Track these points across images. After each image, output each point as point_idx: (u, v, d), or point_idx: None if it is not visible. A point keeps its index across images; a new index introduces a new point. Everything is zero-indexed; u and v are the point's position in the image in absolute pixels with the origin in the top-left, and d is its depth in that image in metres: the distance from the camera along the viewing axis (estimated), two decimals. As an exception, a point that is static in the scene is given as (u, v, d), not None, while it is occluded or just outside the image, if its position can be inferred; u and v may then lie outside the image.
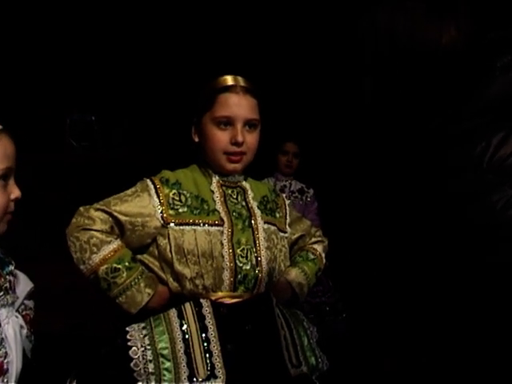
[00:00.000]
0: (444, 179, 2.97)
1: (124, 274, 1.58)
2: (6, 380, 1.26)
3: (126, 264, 1.60)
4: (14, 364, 1.29)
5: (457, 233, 2.90)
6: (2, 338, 1.26)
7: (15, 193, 1.32)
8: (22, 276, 1.51)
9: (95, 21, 4.23)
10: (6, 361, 1.26)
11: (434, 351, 3.23)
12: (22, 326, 1.37)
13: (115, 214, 1.62)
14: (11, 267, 1.41)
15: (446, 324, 3.20)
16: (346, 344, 3.32)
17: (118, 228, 1.64)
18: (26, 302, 1.53)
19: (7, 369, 1.26)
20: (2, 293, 1.32)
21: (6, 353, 1.26)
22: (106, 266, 1.57)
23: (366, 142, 4.05)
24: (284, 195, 2.05)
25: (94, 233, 1.59)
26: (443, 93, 3.22)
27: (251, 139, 1.71)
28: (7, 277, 1.37)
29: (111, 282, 1.58)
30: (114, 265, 1.58)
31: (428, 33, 3.55)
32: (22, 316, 1.48)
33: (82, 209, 1.65)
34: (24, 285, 1.51)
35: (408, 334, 3.47)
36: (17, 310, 1.46)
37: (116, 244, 1.61)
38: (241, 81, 1.73)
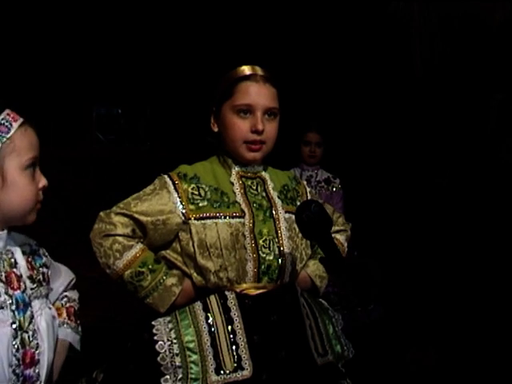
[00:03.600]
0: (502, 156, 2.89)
1: (148, 277, 1.60)
2: (37, 371, 1.28)
3: (150, 267, 1.61)
4: (46, 355, 1.31)
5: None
6: (34, 330, 1.28)
7: (42, 181, 1.33)
8: (63, 268, 1.55)
9: (104, 19, 4.24)
10: (37, 351, 1.27)
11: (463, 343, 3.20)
12: (54, 317, 1.39)
13: (136, 215, 1.62)
14: (44, 259, 1.43)
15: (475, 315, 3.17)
16: (374, 334, 3.32)
17: (140, 229, 1.64)
18: (68, 294, 1.56)
19: (38, 360, 1.28)
20: (35, 285, 1.33)
21: (37, 344, 1.28)
22: (130, 270, 1.60)
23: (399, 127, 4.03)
24: (307, 184, 2.03)
25: (117, 238, 1.61)
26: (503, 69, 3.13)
27: (271, 128, 1.70)
28: (40, 269, 1.39)
29: (137, 285, 1.61)
30: (138, 269, 1.60)
31: (481, 10, 3.48)
32: (67, 308, 1.52)
33: (102, 214, 1.66)
34: (65, 276, 1.55)
35: (434, 325, 3.45)
36: (60, 303, 1.51)
37: (138, 248, 1.62)
38: (260, 70, 1.73)
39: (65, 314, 1.50)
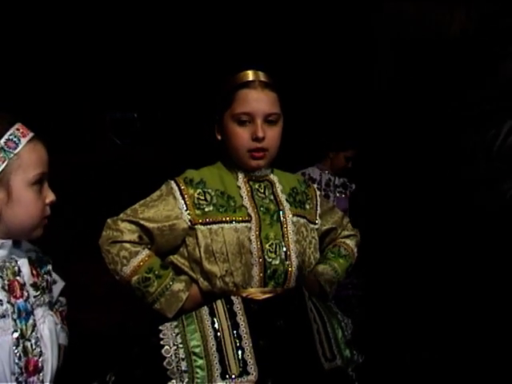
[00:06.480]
0: (457, 165, 2.89)
1: (155, 283, 1.62)
2: (41, 378, 1.29)
3: (156, 272, 1.62)
4: (49, 363, 1.32)
5: (467, 220, 2.83)
6: (38, 337, 1.29)
7: (50, 197, 1.33)
8: (53, 275, 1.56)
9: (105, 23, 4.27)
10: (40, 359, 1.28)
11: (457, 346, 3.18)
12: (56, 323, 1.40)
13: (142, 222, 1.63)
14: (49, 267, 1.44)
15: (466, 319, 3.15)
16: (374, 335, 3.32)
17: (147, 235, 1.65)
18: (60, 298, 1.58)
19: (42, 367, 1.29)
20: (38, 292, 1.34)
21: (40, 351, 1.29)
22: (136, 276, 1.61)
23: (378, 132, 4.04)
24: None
25: (124, 244, 1.62)
26: (459, 78, 3.13)
27: (273, 134, 1.68)
28: (45, 276, 1.40)
29: (144, 291, 1.62)
30: (145, 275, 1.61)
31: (438, 19, 3.48)
32: (60, 312, 1.53)
33: (109, 221, 1.67)
34: (57, 284, 1.56)
35: (434, 325, 3.44)
36: (54, 307, 1.51)
37: (144, 254, 1.63)
38: (260, 75, 1.70)
39: (60, 318, 1.51)
